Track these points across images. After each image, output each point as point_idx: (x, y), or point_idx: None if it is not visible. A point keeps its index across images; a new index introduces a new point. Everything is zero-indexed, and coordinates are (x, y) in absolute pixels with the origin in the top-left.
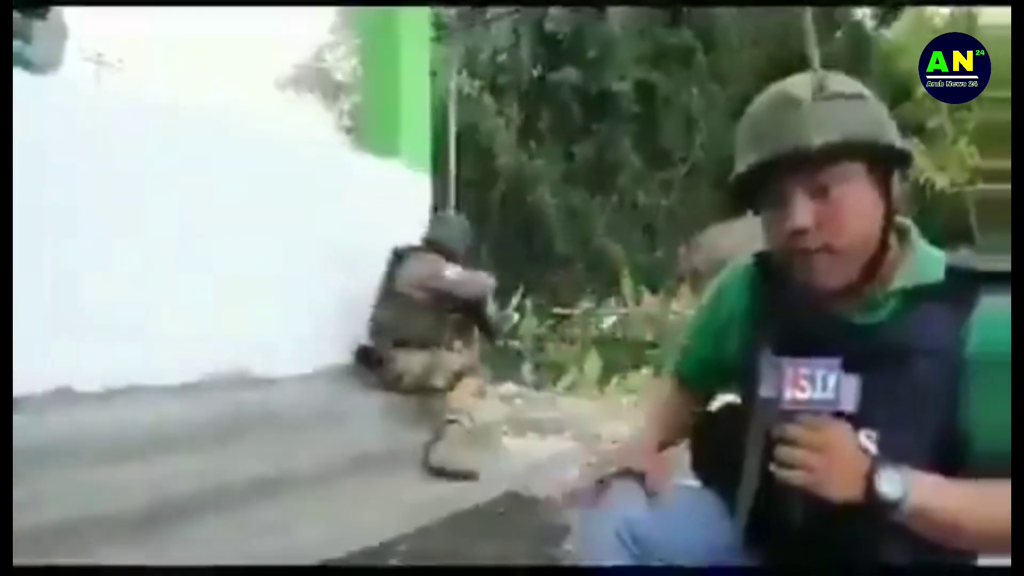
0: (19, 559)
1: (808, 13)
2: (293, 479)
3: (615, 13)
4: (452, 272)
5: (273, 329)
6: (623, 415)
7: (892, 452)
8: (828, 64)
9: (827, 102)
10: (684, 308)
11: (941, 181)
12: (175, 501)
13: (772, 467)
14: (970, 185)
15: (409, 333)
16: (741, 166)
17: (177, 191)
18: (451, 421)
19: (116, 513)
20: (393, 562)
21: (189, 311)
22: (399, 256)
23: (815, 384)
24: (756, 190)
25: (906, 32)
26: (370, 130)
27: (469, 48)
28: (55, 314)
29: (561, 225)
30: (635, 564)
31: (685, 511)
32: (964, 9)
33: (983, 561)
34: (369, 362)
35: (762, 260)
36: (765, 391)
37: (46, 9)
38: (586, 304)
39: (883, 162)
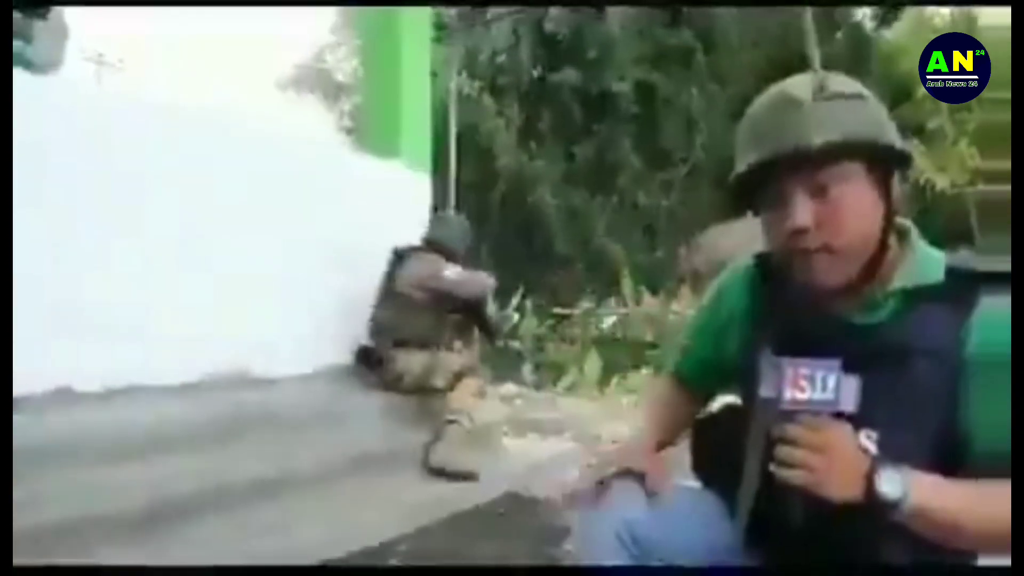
0: (19, 559)
1: (808, 14)
2: (293, 479)
3: (615, 13)
4: (452, 272)
5: (273, 329)
6: (623, 415)
7: (892, 452)
8: (828, 65)
9: (827, 102)
10: (684, 308)
11: (941, 182)
12: (175, 501)
13: (772, 467)
14: (970, 186)
15: (409, 333)
16: (741, 166)
17: (177, 191)
18: (451, 421)
19: (116, 513)
20: (393, 562)
21: (189, 311)
22: (399, 256)
23: (815, 384)
24: (756, 190)
25: (906, 33)
26: (371, 131)
27: (469, 49)
28: (55, 314)
29: (561, 225)
30: (635, 564)
31: (685, 511)
32: (964, 9)
33: (983, 561)
34: (369, 362)
35: (762, 261)
36: (765, 391)
37: (46, 9)
38: (586, 304)
39: (883, 162)
